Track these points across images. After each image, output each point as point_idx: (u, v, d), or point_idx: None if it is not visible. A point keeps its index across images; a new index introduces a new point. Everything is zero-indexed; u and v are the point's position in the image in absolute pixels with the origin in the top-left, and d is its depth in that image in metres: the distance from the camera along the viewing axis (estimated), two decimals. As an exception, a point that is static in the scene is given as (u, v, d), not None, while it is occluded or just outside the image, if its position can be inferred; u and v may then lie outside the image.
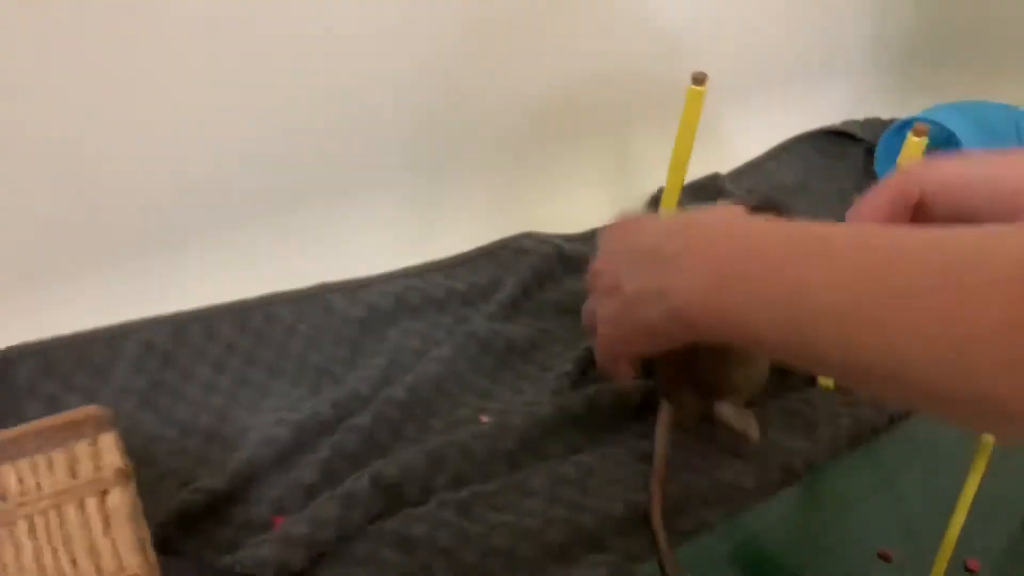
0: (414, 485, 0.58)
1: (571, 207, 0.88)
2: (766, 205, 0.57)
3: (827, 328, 0.36)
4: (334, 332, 0.70)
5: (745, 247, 0.41)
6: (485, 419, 0.65)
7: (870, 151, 0.97)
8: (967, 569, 0.55)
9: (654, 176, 0.92)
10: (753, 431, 0.60)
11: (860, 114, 1.03)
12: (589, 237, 0.86)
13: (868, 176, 0.96)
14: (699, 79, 0.67)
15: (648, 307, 0.45)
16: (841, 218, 0.47)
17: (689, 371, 0.61)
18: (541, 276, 0.78)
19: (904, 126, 0.93)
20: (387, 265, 0.77)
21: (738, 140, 0.98)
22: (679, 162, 0.71)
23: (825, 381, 0.71)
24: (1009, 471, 0.60)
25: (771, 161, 0.97)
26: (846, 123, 1.01)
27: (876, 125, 1.01)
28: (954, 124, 0.87)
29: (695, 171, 0.93)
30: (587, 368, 0.70)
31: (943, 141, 0.88)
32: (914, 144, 0.64)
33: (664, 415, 0.63)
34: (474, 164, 0.86)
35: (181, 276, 0.70)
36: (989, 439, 0.50)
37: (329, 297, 0.72)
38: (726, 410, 0.60)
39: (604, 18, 0.88)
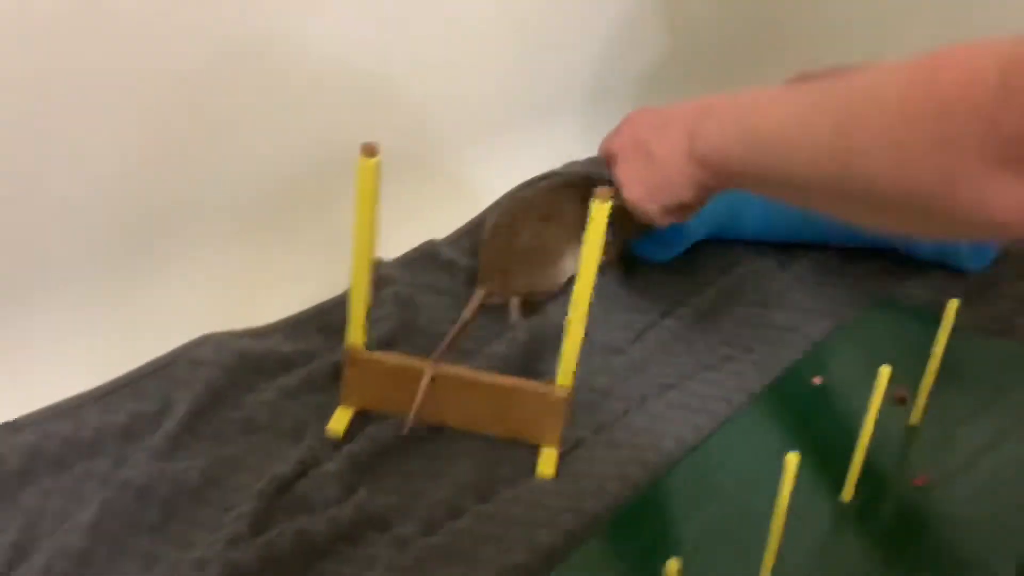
0: None
1: (273, 295, 0.78)
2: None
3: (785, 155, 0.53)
4: (-61, 510, 0.56)
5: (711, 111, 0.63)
6: (139, 594, 0.54)
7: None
8: None
9: (390, 239, 0.84)
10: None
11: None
12: (290, 326, 0.75)
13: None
14: (369, 151, 0.59)
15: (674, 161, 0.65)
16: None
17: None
18: (220, 390, 0.67)
19: None
20: (20, 407, 0.63)
21: (462, 198, 0.91)
22: (362, 243, 0.63)
23: (544, 469, 0.64)
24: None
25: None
26: (567, 165, 0.97)
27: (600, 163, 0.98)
28: None
29: (416, 237, 0.85)
30: (273, 500, 0.60)
31: None
32: (599, 210, 0.58)
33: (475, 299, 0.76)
34: (157, 261, 0.74)
35: None
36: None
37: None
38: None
39: (300, 95, 0.80)
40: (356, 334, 0.65)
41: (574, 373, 0.64)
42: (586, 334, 0.77)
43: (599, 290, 0.82)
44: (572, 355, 0.63)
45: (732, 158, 0.59)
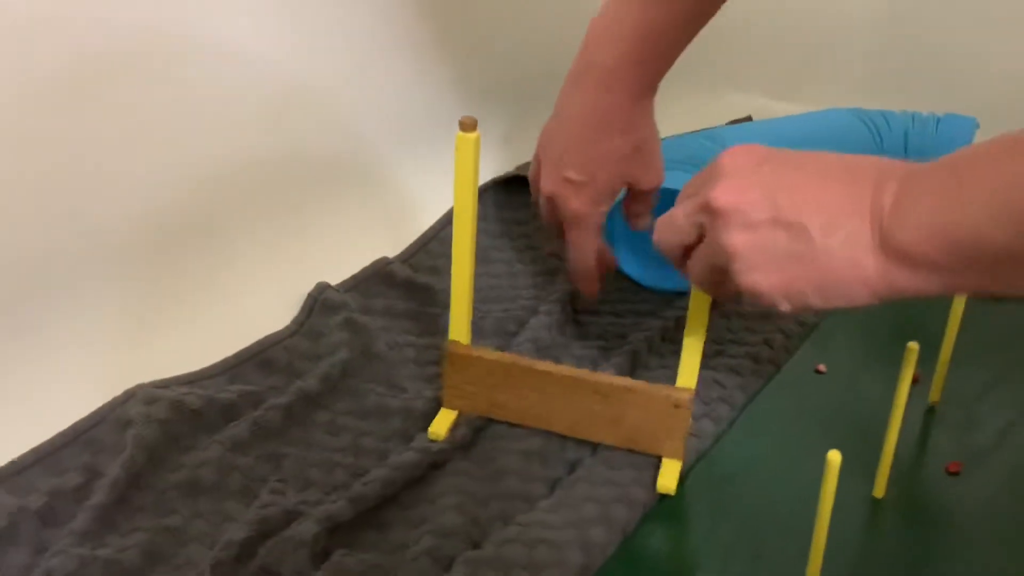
0: None
1: (203, 335, 0.68)
2: None
3: None
4: None
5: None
6: None
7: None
8: None
9: (336, 261, 0.75)
10: None
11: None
12: (228, 368, 0.66)
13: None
14: (468, 125, 0.54)
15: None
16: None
17: None
18: (155, 451, 0.57)
19: None
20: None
21: (407, 213, 0.83)
22: (464, 225, 0.58)
23: (666, 482, 0.57)
24: None
25: (449, 227, 0.82)
26: (519, 167, 0.90)
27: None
28: None
29: (363, 257, 0.76)
30: (232, 573, 0.51)
31: None
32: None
33: None
34: (50, 313, 0.64)
35: None
36: None
37: None
38: None
39: (205, 107, 0.71)
40: (459, 330, 0.61)
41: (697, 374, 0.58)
42: (565, 346, 0.71)
43: (575, 306, 0.76)
44: (695, 352, 0.57)
45: (986, 245, 0.40)
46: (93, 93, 0.64)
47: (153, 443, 0.57)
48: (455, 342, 0.61)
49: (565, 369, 0.60)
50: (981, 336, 0.69)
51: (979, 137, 0.83)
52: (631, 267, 0.79)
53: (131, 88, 0.67)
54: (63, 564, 0.50)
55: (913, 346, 0.51)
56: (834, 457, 0.44)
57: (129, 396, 0.61)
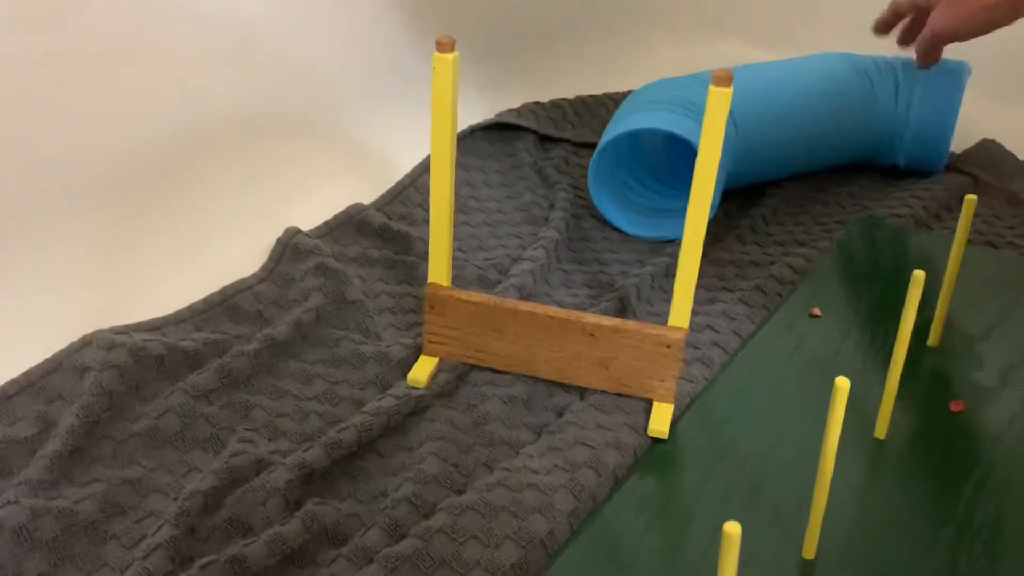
0: None
1: (166, 282, 0.64)
2: None
3: None
4: None
5: None
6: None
7: (546, 137, 0.85)
8: None
9: (308, 207, 0.72)
10: None
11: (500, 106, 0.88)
12: (194, 314, 0.62)
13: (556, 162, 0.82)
14: (445, 45, 0.51)
15: None
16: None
17: None
18: (113, 399, 0.54)
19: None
20: None
21: (382, 162, 0.79)
22: (442, 157, 0.54)
23: (657, 425, 0.54)
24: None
25: (426, 175, 0.79)
26: (500, 115, 0.86)
27: (537, 111, 0.88)
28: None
29: (335, 204, 0.73)
30: (197, 524, 0.48)
31: None
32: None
33: None
34: (21, 246, 0.60)
35: None
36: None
37: None
38: None
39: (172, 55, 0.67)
40: (440, 271, 0.57)
41: (689, 315, 0.55)
42: (548, 294, 0.68)
43: (559, 254, 0.73)
44: (687, 291, 0.54)
45: None
46: (56, 39, 0.61)
47: (112, 391, 0.54)
48: (436, 284, 0.58)
49: (552, 310, 0.57)
50: (977, 281, 0.67)
51: (970, 84, 0.81)
52: (616, 216, 0.76)
53: (95, 33, 0.63)
54: (14, 514, 0.46)
55: (919, 274, 0.48)
56: (842, 383, 0.41)
57: (86, 343, 0.57)
